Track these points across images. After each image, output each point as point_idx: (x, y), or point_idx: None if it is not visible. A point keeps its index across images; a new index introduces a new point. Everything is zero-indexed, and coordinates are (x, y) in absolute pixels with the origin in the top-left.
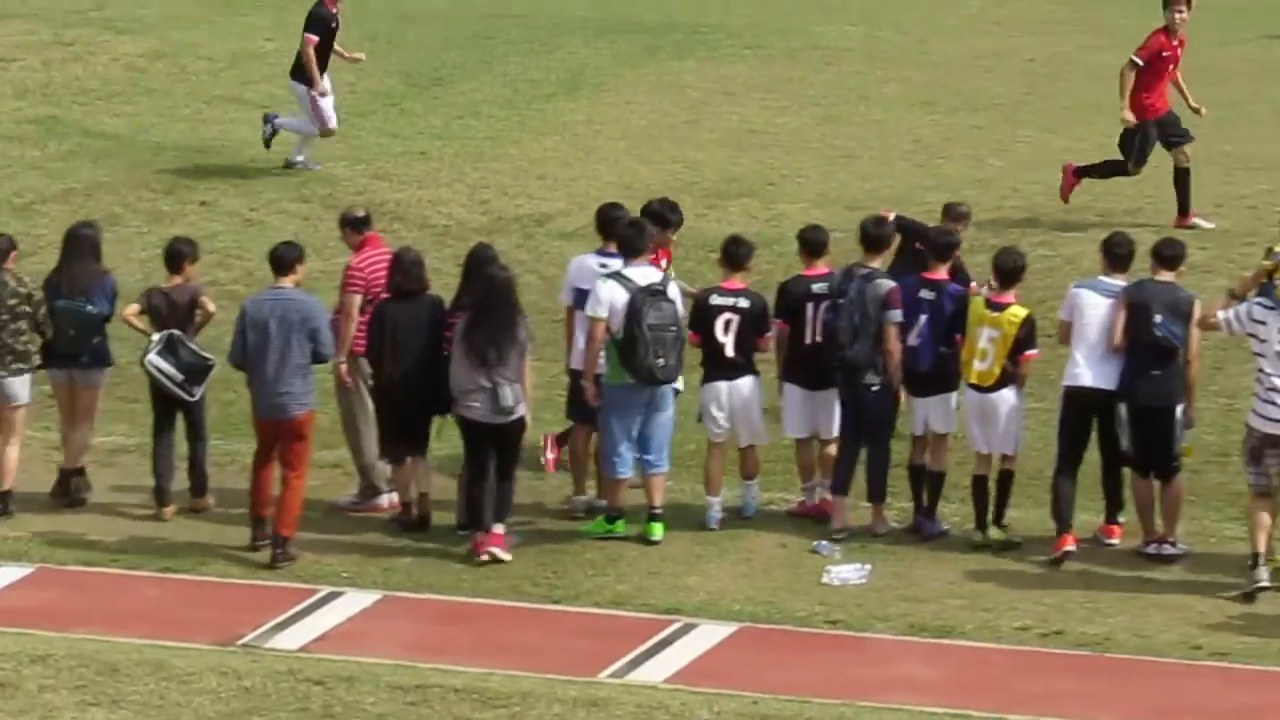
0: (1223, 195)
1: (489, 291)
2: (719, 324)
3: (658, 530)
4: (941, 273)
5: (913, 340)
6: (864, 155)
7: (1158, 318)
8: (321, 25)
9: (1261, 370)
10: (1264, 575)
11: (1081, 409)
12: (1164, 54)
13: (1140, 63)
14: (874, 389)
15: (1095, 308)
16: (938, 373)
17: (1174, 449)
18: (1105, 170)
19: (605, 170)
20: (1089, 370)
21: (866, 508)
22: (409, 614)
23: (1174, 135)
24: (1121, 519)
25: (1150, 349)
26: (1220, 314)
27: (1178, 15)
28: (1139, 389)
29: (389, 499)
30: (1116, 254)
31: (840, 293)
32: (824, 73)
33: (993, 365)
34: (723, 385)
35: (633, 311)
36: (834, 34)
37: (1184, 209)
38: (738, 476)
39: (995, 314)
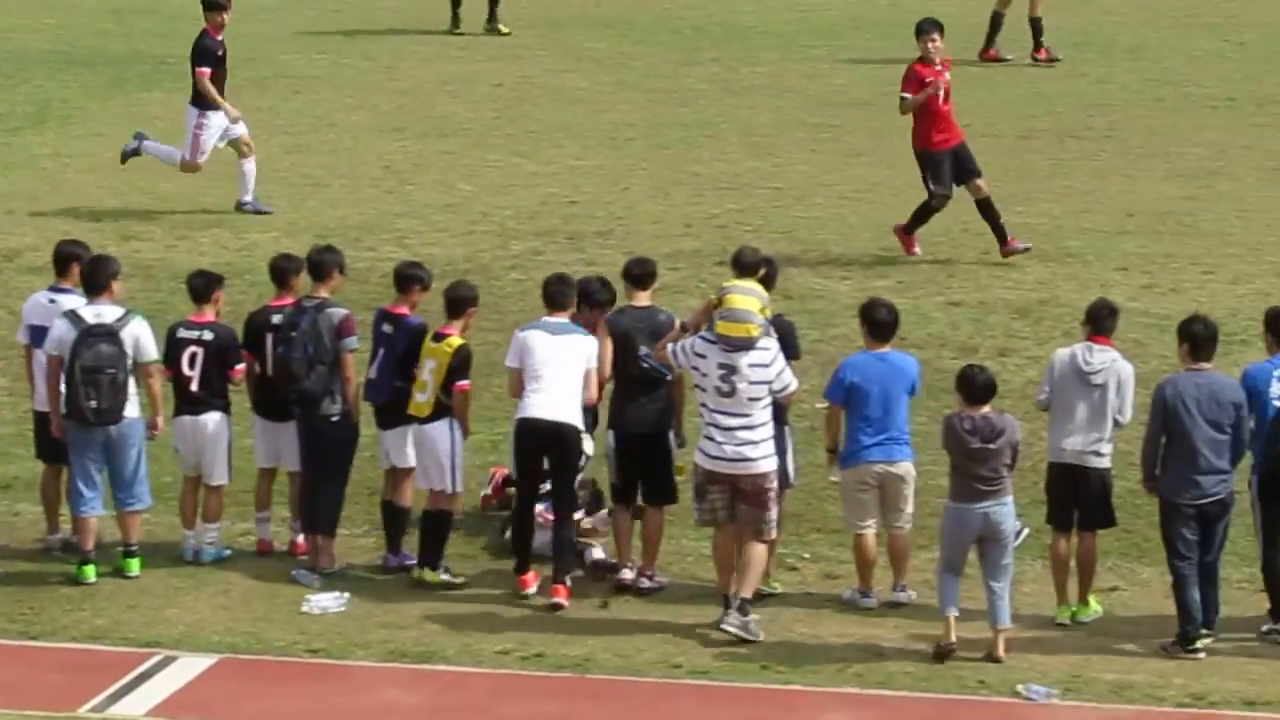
0: (692, 215)
1: None
2: (185, 358)
3: (134, 566)
4: (403, 307)
5: (372, 373)
6: (334, 183)
7: (643, 350)
8: (209, 56)
9: (704, 405)
10: (733, 621)
11: (532, 442)
12: (928, 81)
13: (909, 97)
14: (334, 419)
15: (544, 346)
16: (395, 406)
17: (670, 475)
18: (921, 216)
19: (74, 203)
20: (541, 402)
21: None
22: None
23: (964, 170)
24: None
25: (639, 379)
26: (670, 346)
27: (930, 45)
28: (629, 417)
29: None
30: (550, 292)
31: (293, 325)
32: (292, 101)
33: (430, 396)
34: (187, 420)
35: (72, 351)
36: (302, 63)
37: (1002, 238)
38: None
39: (436, 344)
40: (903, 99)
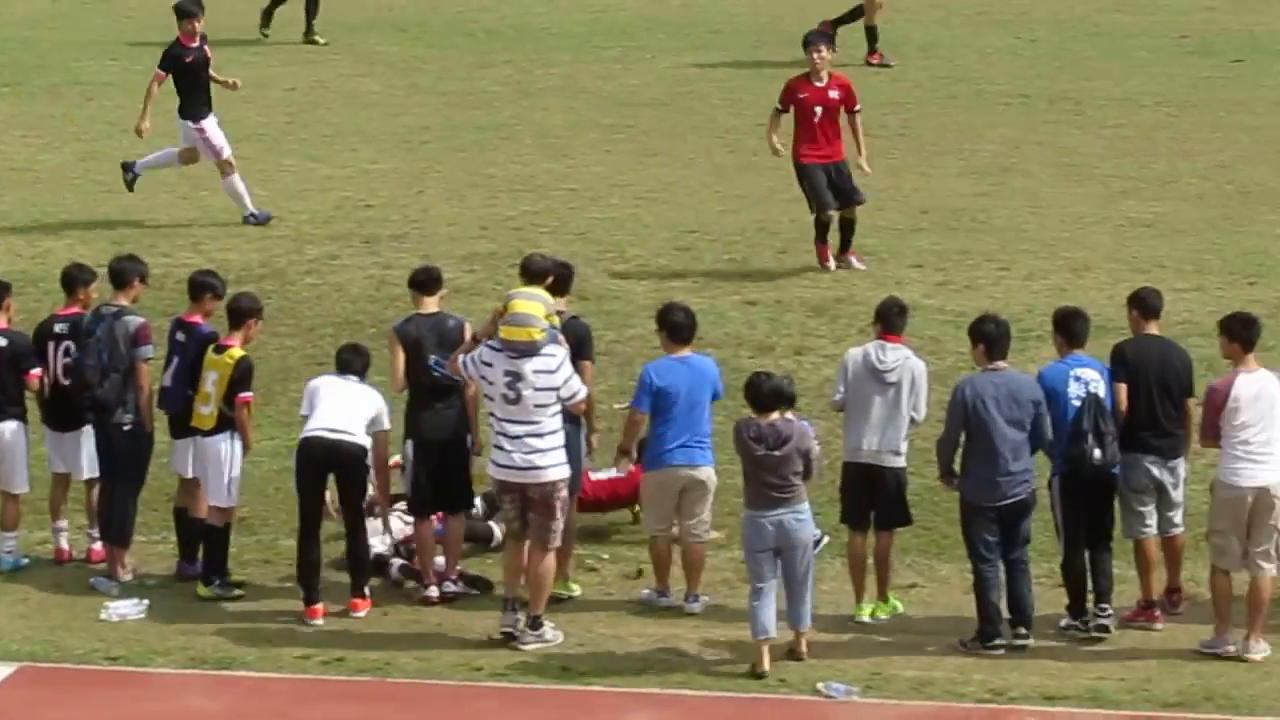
0: (488, 218)
1: None
2: None
3: None
4: (196, 315)
5: (166, 381)
6: (127, 191)
7: (432, 358)
8: (173, 61)
9: (492, 414)
10: (529, 639)
11: (312, 461)
12: (801, 96)
13: (780, 108)
14: (125, 428)
15: (330, 386)
16: (188, 415)
17: (467, 481)
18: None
19: None
20: (320, 422)
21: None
22: None
23: (843, 194)
24: (369, 592)
25: (430, 387)
26: (461, 358)
27: (815, 56)
28: (424, 424)
29: None
30: (342, 360)
31: (89, 331)
32: (85, 108)
33: (213, 408)
34: None
35: None
36: (95, 69)
37: (845, 246)
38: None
39: (218, 356)
40: (775, 108)
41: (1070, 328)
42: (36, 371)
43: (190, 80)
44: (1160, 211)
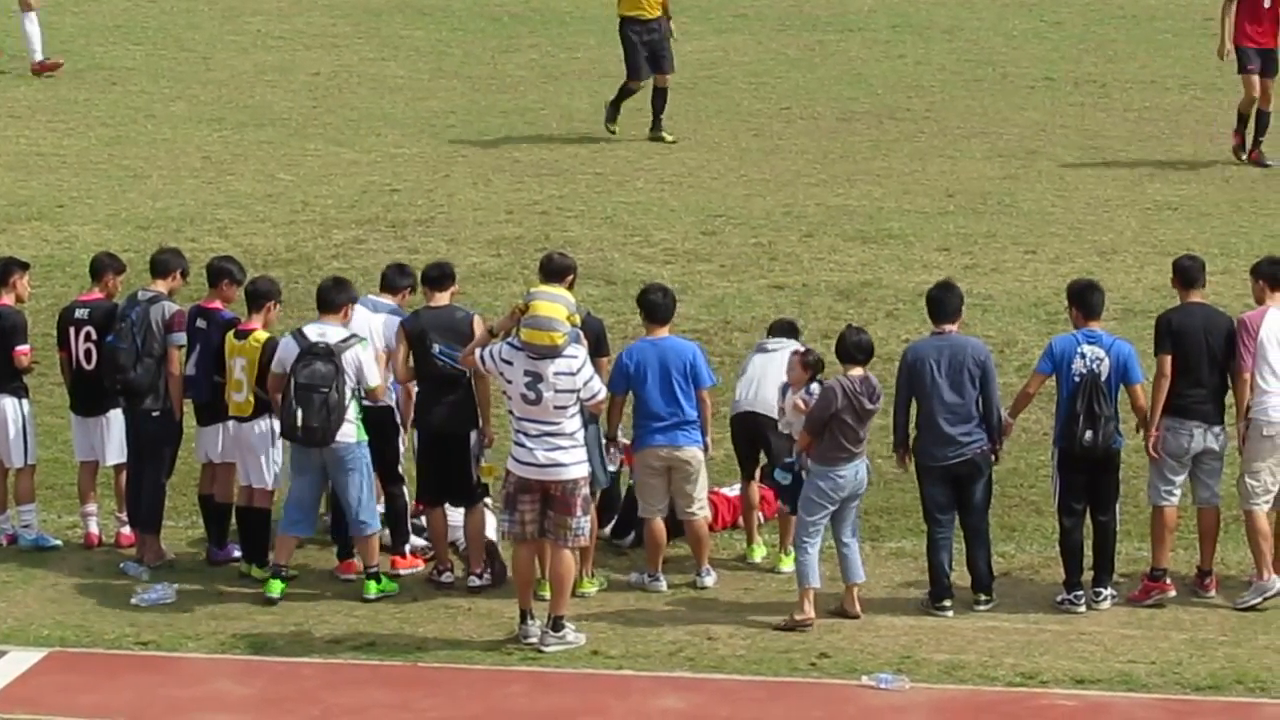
0: (514, 202)
1: None
2: None
3: None
4: (216, 301)
5: (190, 370)
6: (153, 174)
7: (436, 346)
8: None
9: (510, 412)
10: (551, 640)
11: None
12: None
13: None
14: (154, 414)
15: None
16: (215, 403)
17: (473, 474)
18: None
19: None
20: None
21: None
22: None
23: None
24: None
25: (436, 378)
26: (478, 352)
27: None
28: (431, 415)
29: None
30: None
31: (123, 316)
32: (109, 93)
33: (248, 394)
34: None
35: None
36: (118, 54)
37: None
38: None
39: (242, 342)
40: None
41: (1086, 300)
42: (24, 349)
43: None
44: (1186, 194)
